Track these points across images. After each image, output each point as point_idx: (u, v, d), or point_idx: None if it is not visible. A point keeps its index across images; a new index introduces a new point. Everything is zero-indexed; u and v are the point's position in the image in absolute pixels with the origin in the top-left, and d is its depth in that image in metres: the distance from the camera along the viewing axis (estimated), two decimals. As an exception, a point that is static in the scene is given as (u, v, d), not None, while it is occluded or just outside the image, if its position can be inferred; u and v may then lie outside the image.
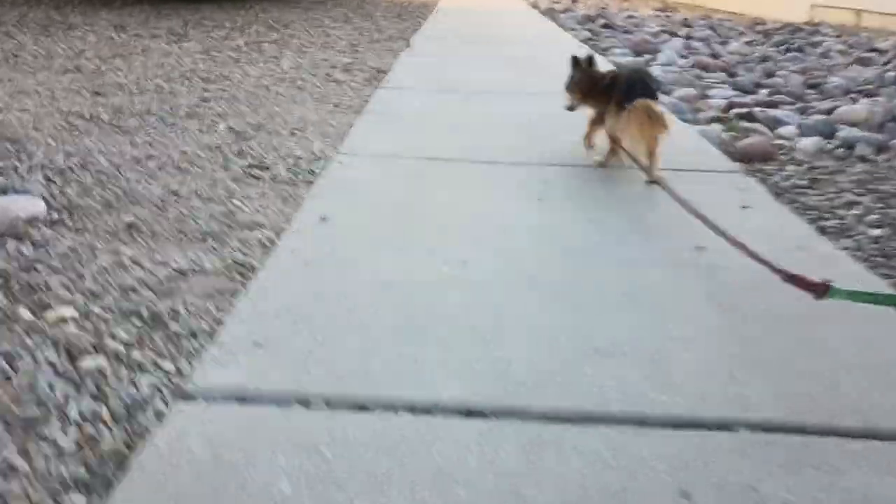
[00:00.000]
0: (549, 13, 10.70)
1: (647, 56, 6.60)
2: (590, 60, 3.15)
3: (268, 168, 2.90)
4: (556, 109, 3.25)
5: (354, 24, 8.06)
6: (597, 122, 3.13)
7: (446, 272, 2.01)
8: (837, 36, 8.28)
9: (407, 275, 1.98)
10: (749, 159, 3.32)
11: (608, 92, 2.97)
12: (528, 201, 2.60)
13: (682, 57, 6.51)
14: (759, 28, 9.46)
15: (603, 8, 12.34)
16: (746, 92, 5.18)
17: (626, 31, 8.51)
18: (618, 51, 6.87)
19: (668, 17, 11.05)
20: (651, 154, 2.80)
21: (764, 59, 6.64)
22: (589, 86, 3.10)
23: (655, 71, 5.22)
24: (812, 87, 5.32)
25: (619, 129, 2.89)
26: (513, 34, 7.84)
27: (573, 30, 8.44)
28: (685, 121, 4.06)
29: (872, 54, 6.84)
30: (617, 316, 1.79)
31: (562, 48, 5.57)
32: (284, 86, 4.54)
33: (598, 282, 1.99)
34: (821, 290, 1.61)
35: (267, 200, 2.55)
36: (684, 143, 3.38)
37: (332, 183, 2.73)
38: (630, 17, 10.73)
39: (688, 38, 7.89)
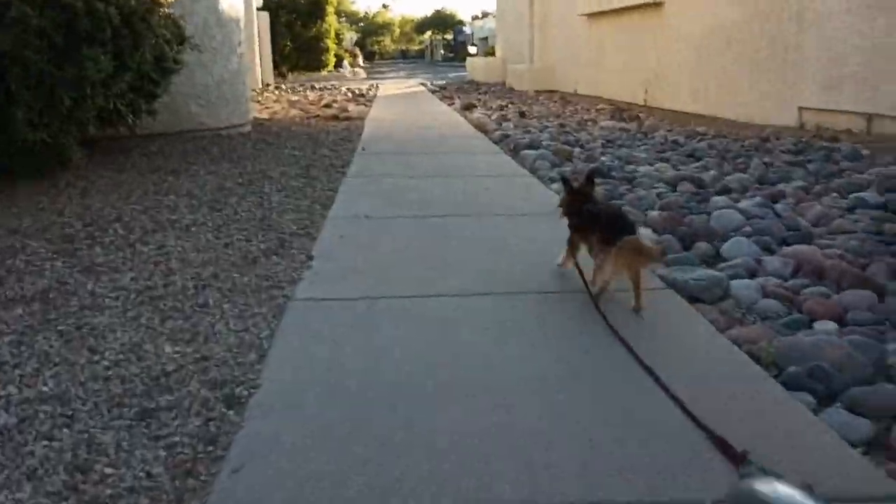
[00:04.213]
0: (507, 145, 8.25)
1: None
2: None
3: None
4: None
5: (230, 199, 5.29)
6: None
7: None
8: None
9: None
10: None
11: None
12: None
13: (767, 249, 3.92)
14: (775, 144, 7.14)
15: (563, 127, 10.01)
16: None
17: (628, 181, 5.99)
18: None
19: (643, 134, 8.77)
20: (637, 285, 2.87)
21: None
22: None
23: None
24: None
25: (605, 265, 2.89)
26: (473, 200, 5.22)
27: (553, 180, 5.91)
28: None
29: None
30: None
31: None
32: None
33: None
34: (739, 458, 1.71)
35: None
36: None
37: None
38: (607, 142, 8.37)
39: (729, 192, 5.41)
